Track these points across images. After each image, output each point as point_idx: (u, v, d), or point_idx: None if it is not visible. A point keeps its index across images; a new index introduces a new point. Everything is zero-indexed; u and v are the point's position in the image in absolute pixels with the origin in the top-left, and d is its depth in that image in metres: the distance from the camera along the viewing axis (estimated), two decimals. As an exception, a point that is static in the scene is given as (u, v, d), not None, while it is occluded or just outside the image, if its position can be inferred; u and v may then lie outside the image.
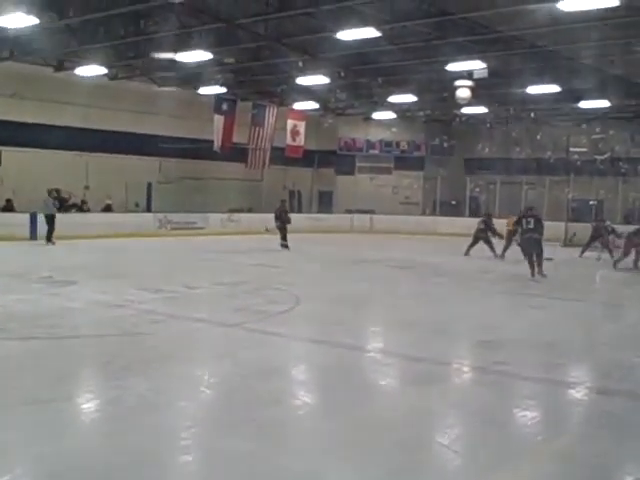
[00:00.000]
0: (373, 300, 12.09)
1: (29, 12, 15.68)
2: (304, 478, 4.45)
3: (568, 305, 12.02)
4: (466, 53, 19.58)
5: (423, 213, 34.45)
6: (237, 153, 28.40)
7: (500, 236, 19.91)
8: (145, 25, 18.99)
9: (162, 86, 26.62)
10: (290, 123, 31.14)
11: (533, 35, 17.91)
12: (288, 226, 21.12)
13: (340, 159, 35.37)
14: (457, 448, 4.99)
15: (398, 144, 35.55)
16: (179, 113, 27.36)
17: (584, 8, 14.36)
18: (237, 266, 16.50)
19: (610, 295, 13.66)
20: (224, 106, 27.88)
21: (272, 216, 21.43)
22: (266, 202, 30.05)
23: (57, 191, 22.49)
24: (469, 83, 22.14)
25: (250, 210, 30.18)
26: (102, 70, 22.97)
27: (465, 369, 7.48)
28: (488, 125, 33.32)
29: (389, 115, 31.73)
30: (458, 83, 22.44)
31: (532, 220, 15.15)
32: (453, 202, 34.28)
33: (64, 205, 23.65)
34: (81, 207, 24.92)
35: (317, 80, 23.99)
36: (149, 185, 27.22)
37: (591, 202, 28.26)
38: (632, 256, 17.15)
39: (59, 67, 23.20)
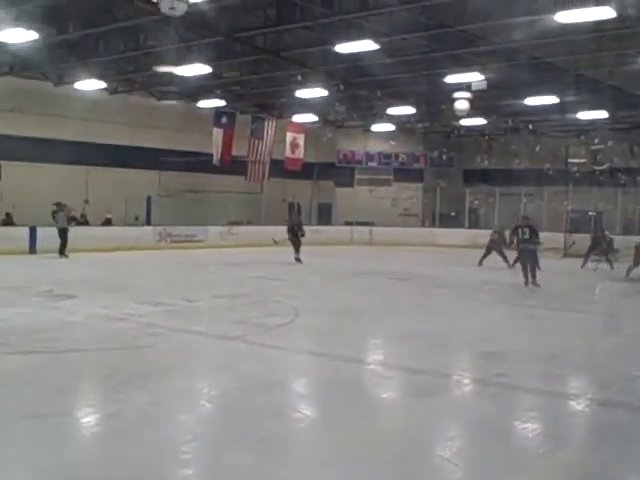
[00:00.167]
0: (373, 312, 12.07)
1: (29, 27, 15.77)
2: (305, 491, 4.44)
3: (568, 316, 12.00)
4: (464, 65, 19.70)
5: (422, 225, 34.46)
6: (236, 166, 28.45)
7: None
8: (144, 39, 19.07)
9: (161, 100, 26.73)
10: (289, 136, 31.22)
11: (531, 47, 17.98)
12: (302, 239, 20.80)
13: (339, 171, 35.42)
14: (458, 461, 4.97)
15: (397, 156, 35.66)
16: (178, 126, 27.46)
17: (580, 20, 14.42)
18: (237, 279, 16.50)
19: (610, 306, 13.64)
20: (223, 119, 27.98)
21: (274, 229, 21.35)
22: (266, 215, 30.16)
23: (58, 205, 22.49)
24: (467, 95, 22.24)
25: (250, 223, 30.20)
26: (101, 84, 23.09)
27: (465, 381, 7.46)
28: (487, 137, 33.46)
29: (388, 127, 31.82)
30: (456, 95, 22.55)
31: (527, 230, 15.40)
32: (452, 214, 34.29)
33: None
34: (81, 221, 24.90)
35: (316, 93, 24.10)
36: (149, 198, 27.25)
37: (590, 213, 28.28)
38: None
39: (59, 81, 23.28)
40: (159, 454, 4.93)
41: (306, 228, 21.48)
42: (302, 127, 31.69)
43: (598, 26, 15.20)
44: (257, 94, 26.70)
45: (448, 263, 22.03)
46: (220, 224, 27.99)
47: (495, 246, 20.09)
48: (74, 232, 21.07)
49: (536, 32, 15.77)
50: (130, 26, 17.59)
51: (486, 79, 20.92)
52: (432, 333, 9.77)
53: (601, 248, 20.64)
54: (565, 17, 14.21)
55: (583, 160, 29.57)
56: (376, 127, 32.31)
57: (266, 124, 29.43)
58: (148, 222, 27.18)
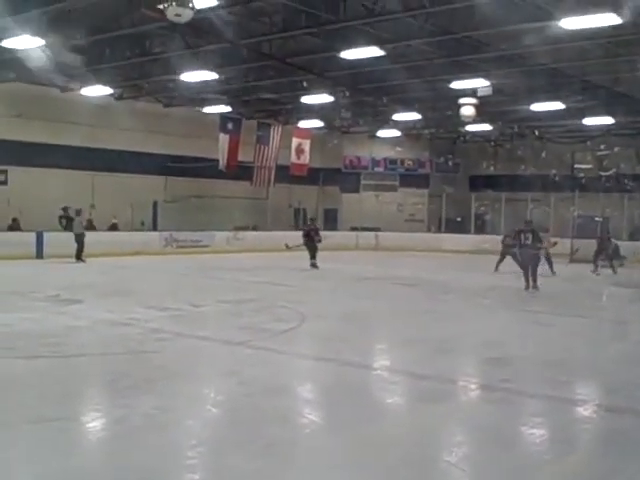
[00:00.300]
0: (379, 317, 12.07)
1: (35, 34, 15.84)
2: (310, 497, 4.43)
3: (574, 322, 11.97)
4: (470, 71, 19.70)
5: (428, 230, 34.47)
6: (242, 171, 28.50)
7: None
8: (150, 46, 19.16)
9: (168, 106, 26.79)
10: (295, 141, 31.24)
11: (537, 53, 17.98)
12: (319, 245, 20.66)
13: (345, 177, 35.42)
14: (464, 466, 4.96)
15: (403, 162, 35.65)
16: (184, 132, 27.52)
17: (586, 27, 14.42)
18: (243, 284, 16.50)
19: (616, 312, 13.59)
20: (229, 125, 28.04)
21: (281, 234, 21.30)
22: (272, 220, 30.19)
23: (65, 210, 22.61)
24: (473, 101, 22.26)
25: (255, 228, 30.24)
26: (108, 90, 23.15)
27: (471, 386, 7.44)
28: (493, 143, 33.43)
29: (394, 133, 31.84)
30: (462, 101, 22.56)
31: (530, 235, 15.61)
32: (458, 219, 34.28)
33: (70, 224, 23.71)
34: (87, 226, 24.95)
35: (322, 99, 24.15)
36: (155, 204, 27.34)
37: (597, 219, 28.22)
38: None
39: (65, 87, 23.37)
40: (165, 459, 4.92)
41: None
42: (308, 133, 31.72)
43: (605, 32, 15.19)
44: (263, 100, 26.74)
45: (454, 269, 21.99)
46: (226, 229, 28.01)
47: (509, 250, 20.05)
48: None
49: (542, 38, 15.77)
50: (136, 33, 17.65)
51: (492, 85, 20.94)
52: (438, 338, 9.76)
53: (606, 253, 20.65)
54: (571, 23, 14.21)
55: (589, 166, 29.54)
56: (382, 133, 32.32)
57: (272, 130, 29.49)
58: (154, 227, 27.26)
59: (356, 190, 35.42)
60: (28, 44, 16.56)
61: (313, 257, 20.36)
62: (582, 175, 29.25)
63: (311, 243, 20.50)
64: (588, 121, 26.15)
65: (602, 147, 29.60)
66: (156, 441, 5.24)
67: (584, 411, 6.52)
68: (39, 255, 21.51)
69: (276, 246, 23.14)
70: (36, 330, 9.47)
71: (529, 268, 15.55)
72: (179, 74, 20.62)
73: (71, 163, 24.46)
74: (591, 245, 21.79)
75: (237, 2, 15.40)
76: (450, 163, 35.07)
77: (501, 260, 20.19)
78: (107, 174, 25.52)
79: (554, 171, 29.83)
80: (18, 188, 23.15)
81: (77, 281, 15.99)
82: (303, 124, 30.54)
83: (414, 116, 27.26)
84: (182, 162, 27.36)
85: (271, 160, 29.54)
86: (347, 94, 24.11)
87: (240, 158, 28.45)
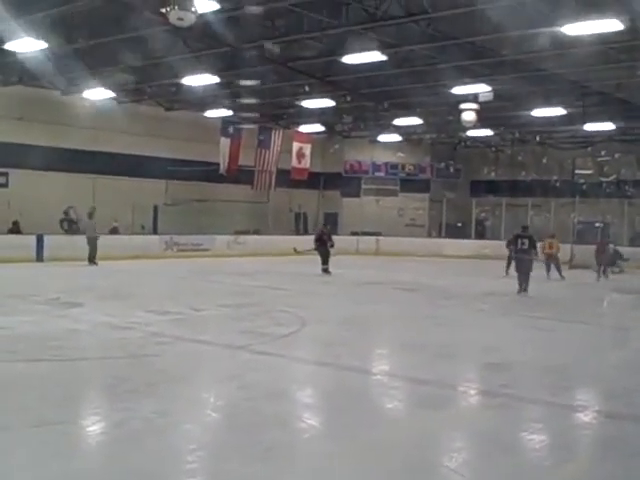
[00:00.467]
0: (379, 322, 12.08)
1: (38, 37, 15.87)
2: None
3: (574, 328, 11.97)
4: (471, 76, 19.70)
5: (429, 235, 34.45)
6: (243, 175, 28.55)
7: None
8: (152, 49, 19.16)
9: (169, 109, 26.81)
10: (296, 145, 31.27)
11: (538, 58, 17.98)
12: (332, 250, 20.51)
13: (346, 181, 35.42)
14: (464, 472, 4.96)
15: (404, 167, 35.64)
16: (186, 136, 27.52)
17: (588, 33, 14.44)
18: (243, 288, 16.50)
19: (616, 318, 13.59)
20: (230, 129, 28.09)
21: (282, 238, 21.27)
22: (272, 224, 30.19)
23: (66, 212, 22.62)
24: (474, 106, 22.27)
25: (256, 232, 30.21)
26: (109, 94, 23.16)
27: (472, 392, 7.45)
28: (494, 148, 33.45)
29: (395, 138, 31.84)
30: (464, 106, 22.56)
31: (527, 241, 15.96)
32: (459, 224, 34.27)
33: (72, 227, 23.76)
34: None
35: (323, 103, 24.15)
36: (155, 207, 27.31)
37: (597, 224, 28.23)
38: None
39: (67, 91, 23.39)
40: (164, 463, 4.92)
41: (312, 238, 21.42)
42: (309, 137, 31.75)
43: (606, 38, 15.20)
44: (264, 104, 26.76)
45: (454, 274, 21.98)
46: (227, 233, 28.01)
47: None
48: (80, 240, 21.09)
49: (543, 44, 15.80)
50: (138, 36, 17.67)
51: (493, 90, 20.95)
52: (438, 343, 9.76)
53: (603, 258, 20.72)
54: (572, 29, 14.23)
55: (590, 172, 29.53)
56: (383, 138, 32.30)
57: (273, 134, 29.53)
58: (155, 231, 27.22)
59: (357, 195, 35.41)
60: (30, 47, 16.59)
61: (325, 262, 20.17)
62: (583, 181, 29.26)
63: (323, 248, 20.31)
64: (589, 127, 26.11)
65: (603, 153, 29.61)
66: (156, 445, 5.25)
67: (584, 417, 6.53)
68: (39, 258, 21.50)
69: (277, 250, 23.15)
70: (37, 333, 9.48)
71: (523, 273, 15.87)
72: (181, 78, 20.66)
73: (72, 166, 24.47)
74: (589, 251, 21.77)
75: (239, 6, 15.41)
76: (451, 168, 35.10)
77: (509, 264, 20.16)
78: (108, 177, 25.50)
79: (555, 177, 29.88)
80: (19, 191, 23.17)
81: (77, 284, 16.00)
82: (304, 128, 30.56)
83: (415, 121, 27.25)
84: (183, 166, 27.36)
85: (272, 164, 29.58)
86: (348, 99, 24.09)
87: (241, 162, 28.49)
